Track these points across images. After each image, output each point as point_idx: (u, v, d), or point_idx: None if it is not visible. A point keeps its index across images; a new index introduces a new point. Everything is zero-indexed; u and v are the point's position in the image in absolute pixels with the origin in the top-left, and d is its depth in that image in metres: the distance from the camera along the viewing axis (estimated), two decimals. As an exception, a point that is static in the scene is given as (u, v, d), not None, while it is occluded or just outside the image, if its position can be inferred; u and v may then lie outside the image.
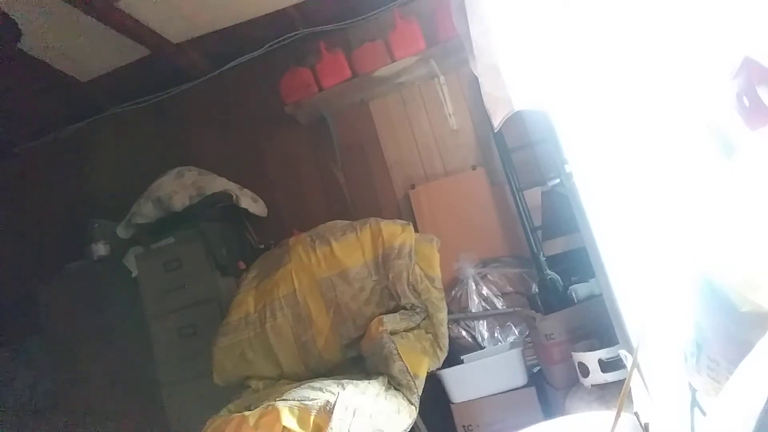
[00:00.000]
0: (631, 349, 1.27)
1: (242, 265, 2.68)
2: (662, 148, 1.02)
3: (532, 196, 2.47)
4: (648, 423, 0.92)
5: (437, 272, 2.35)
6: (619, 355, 1.56)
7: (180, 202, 2.69)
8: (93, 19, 2.46)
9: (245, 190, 2.92)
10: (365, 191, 2.94)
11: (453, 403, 2.26)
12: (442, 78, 2.82)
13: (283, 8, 2.81)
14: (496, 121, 1.48)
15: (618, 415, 0.85)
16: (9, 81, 2.73)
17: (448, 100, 2.84)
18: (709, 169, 0.90)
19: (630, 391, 0.99)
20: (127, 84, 3.09)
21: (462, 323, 2.50)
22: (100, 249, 2.89)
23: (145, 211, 2.71)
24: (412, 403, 1.97)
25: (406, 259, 2.29)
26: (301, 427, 1.62)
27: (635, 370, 0.96)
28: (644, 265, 1.17)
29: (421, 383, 2.03)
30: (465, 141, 2.83)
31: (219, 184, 2.84)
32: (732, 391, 0.58)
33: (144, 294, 2.66)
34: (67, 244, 3.05)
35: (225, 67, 3.12)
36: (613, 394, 1.66)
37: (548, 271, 2.22)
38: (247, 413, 1.68)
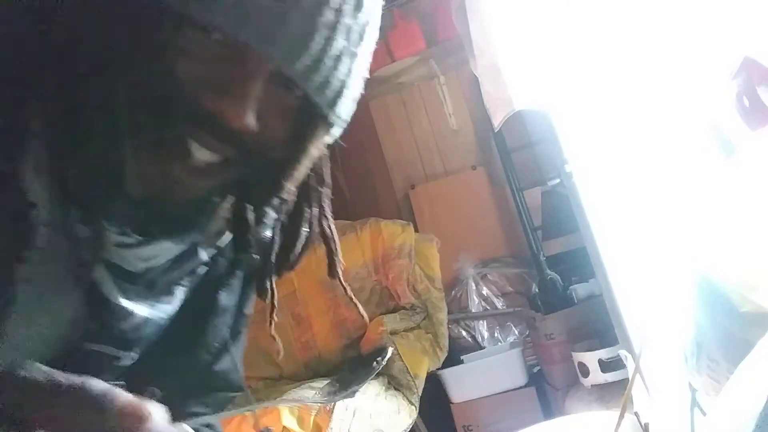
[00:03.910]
0: (631, 349, 1.27)
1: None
2: (662, 147, 1.02)
3: (532, 196, 2.47)
4: (648, 423, 0.92)
5: (437, 272, 2.35)
6: (619, 355, 1.56)
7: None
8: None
9: (245, 190, 2.92)
10: (365, 191, 2.94)
11: (453, 403, 2.26)
12: (442, 78, 2.82)
13: (283, 8, 2.81)
14: (497, 121, 1.48)
15: (621, 417, 0.85)
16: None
17: (448, 100, 2.84)
18: (709, 169, 0.90)
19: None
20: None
21: (462, 323, 2.50)
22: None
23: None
24: (412, 403, 1.97)
25: (406, 259, 2.29)
26: (301, 427, 1.62)
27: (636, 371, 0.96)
28: (644, 265, 1.17)
29: (421, 383, 2.03)
30: (465, 141, 2.83)
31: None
32: (732, 391, 0.58)
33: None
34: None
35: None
36: (613, 394, 1.66)
37: (548, 271, 2.22)
38: (247, 413, 1.68)
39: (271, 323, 0.67)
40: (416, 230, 2.49)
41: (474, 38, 1.50)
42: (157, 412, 0.34)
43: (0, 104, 0.46)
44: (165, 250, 0.57)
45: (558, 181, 2.22)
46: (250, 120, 0.48)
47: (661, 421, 0.96)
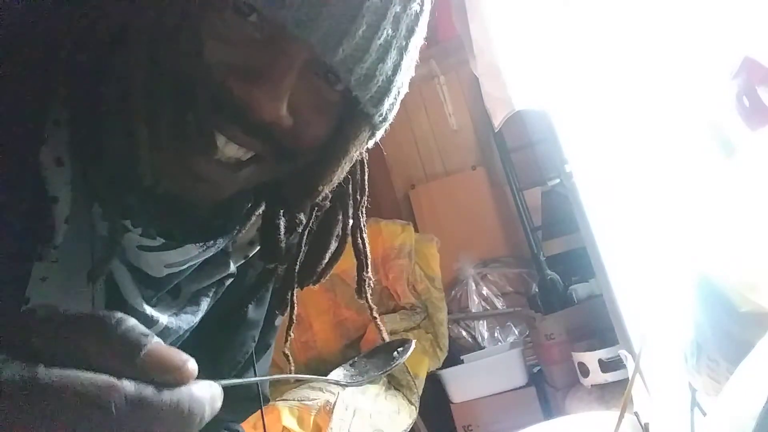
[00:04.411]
0: (631, 349, 1.27)
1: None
2: (662, 147, 1.02)
3: (532, 196, 2.47)
4: (648, 423, 0.92)
5: (437, 272, 2.35)
6: (619, 355, 1.56)
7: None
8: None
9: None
10: (365, 191, 2.93)
11: (453, 403, 2.26)
12: (442, 78, 2.82)
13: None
14: (496, 121, 1.48)
15: (621, 417, 0.85)
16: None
17: (448, 100, 2.84)
18: (709, 169, 0.90)
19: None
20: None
21: (462, 323, 2.50)
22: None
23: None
24: (412, 403, 1.97)
25: (406, 259, 2.29)
26: (301, 427, 1.62)
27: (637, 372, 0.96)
28: (644, 265, 1.17)
29: (421, 383, 2.04)
30: (465, 141, 2.83)
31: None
32: (732, 391, 0.58)
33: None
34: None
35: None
36: (613, 394, 1.66)
37: (548, 271, 2.22)
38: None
39: (287, 340, 0.62)
40: (416, 230, 2.49)
41: (474, 38, 1.50)
42: (193, 364, 0.29)
43: (21, 89, 0.43)
44: (191, 256, 0.51)
45: (558, 181, 2.22)
46: (284, 112, 0.44)
47: (661, 421, 0.96)
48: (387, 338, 0.61)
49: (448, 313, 2.35)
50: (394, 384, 1.99)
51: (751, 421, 0.48)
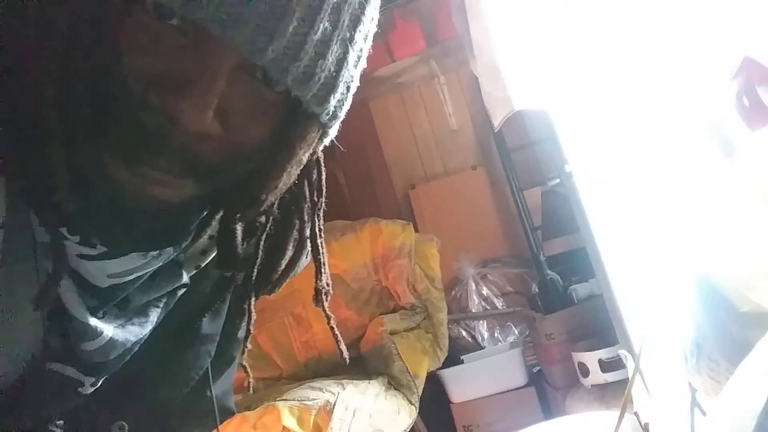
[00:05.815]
0: (631, 349, 1.27)
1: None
2: (662, 147, 1.02)
3: (532, 196, 2.47)
4: (648, 423, 0.92)
5: (437, 272, 2.35)
6: (619, 355, 1.56)
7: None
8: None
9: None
10: (365, 191, 2.93)
11: (453, 403, 2.26)
12: (442, 78, 2.82)
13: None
14: (496, 121, 1.48)
15: (621, 417, 0.85)
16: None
17: (448, 100, 2.84)
18: (709, 169, 0.90)
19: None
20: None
21: (462, 323, 2.50)
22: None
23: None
24: (412, 403, 1.97)
25: (406, 259, 2.28)
26: (301, 427, 1.62)
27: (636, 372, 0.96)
28: (644, 265, 1.17)
29: (421, 383, 2.04)
30: (465, 141, 2.83)
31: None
32: (732, 391, 0.58)
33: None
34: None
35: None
36: (613, 394, 1.66)
37: (548, 271, 2.22)
38: (247, 413, 1.68)
39: (243, 351, 0.59)
40: (416, 230, 2.49)
41: (474, 38, 1.50)
42: None
43: None
44: (134, 266, 0.47)
45: (558, 181, 2.22)
46: (209, 120, 0.41)
47: (661, 421, 0.96)
48: (344, 350, 0.58)
49: (448, 313, 2.35)
50: (394, 384, 1.99)
51: (751, 421, 0.48)
